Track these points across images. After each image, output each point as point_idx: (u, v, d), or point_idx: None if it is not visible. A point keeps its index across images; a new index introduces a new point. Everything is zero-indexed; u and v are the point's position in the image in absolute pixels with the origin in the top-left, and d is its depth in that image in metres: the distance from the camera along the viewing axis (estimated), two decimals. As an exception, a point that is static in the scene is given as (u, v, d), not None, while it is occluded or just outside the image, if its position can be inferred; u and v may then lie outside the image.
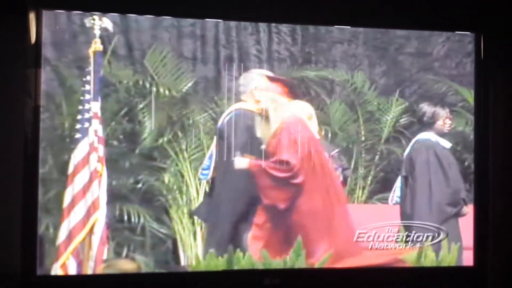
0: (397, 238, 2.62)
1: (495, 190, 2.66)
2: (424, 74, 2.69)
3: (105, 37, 2.43)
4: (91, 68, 2.41)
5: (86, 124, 2.42)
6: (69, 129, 2.41)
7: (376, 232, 2.61)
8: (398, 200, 2.67)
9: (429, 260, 2.62)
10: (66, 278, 2.38)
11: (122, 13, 2.45)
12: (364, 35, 2.64)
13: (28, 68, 2.34)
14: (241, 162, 2.48)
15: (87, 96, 2.42)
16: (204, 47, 2.52)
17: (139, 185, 2.47)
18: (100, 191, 2.42)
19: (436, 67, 2.70)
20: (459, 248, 2.64)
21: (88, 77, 2.42)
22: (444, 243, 2.63)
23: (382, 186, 2.67)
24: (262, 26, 2.57)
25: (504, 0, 2.68)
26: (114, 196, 2.44)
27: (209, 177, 2.52)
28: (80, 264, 2.40)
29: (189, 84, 2.52)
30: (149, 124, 2.48)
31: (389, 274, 2.59)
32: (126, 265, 2.40)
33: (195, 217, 2.51)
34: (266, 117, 2.52)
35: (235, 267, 2.47)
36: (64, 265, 2.38)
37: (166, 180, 2.49)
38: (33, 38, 2.34)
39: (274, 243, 2.50)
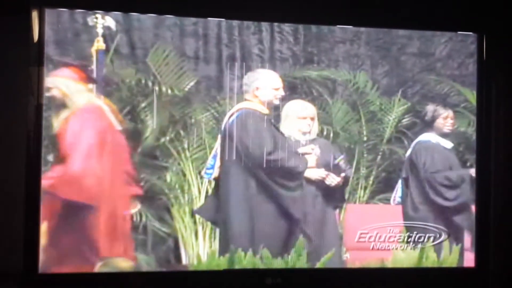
0: (398, 239, 2.62)
1: (497, 191, 2.66)
2: (427, 74, 2.68)
3: (108, 36, 2.43)
4: (93, 66, 2.41)
5: (89, 123, 2.42)
6: (72, 128, 2.41)
7: (377, 232, 2.61)
8: (400, 200, 2.67)
9: (431, 261, 2.62)
10: (68, 276, 2.37)
11: (125, 11, 2.45)
12: (367, 35, 2.64)
13: (31, 67, 2.34)
14: None
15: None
16: (206, 46, 2.52)
17: (141, 184, 2.47)
18: (102, 189, 2.42)
19: (438, 67, 2.69)
20: (461, 249, 2.64)
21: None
22: (445, 244, 2.63)
23: (384, 186, 2.67)
24: (265, 25, 2.57)
25: (506, 1, 2.68)
26: (116, 195, 2.44)
27: (213, 176, 2.52)
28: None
29: (192, 83, 2.52)
30: (151, 123, 2.48)
31: (390, 274, 2.59)
32: (121, 264, 2.40)
33: (197, 216, 2.52)
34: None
35: (237, 267, 2.47)
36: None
37: (168, 179, 2.49)
38: (35, 37, 2.34)
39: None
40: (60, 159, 2.34)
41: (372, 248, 2.60)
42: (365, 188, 2.66)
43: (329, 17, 2.59)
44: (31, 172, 2.33)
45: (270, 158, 2.51)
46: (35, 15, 2.34)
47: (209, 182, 2.52)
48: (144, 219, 2.46)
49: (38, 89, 2.34)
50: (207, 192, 2.52)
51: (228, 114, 2.51)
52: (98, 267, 2.38)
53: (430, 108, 2.68)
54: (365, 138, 2.67)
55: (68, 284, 2.38)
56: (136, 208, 2.42)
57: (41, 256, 2.32)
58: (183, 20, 2.50)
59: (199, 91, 2.52)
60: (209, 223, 2.51)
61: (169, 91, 2.50)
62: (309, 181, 2.56)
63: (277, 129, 2.57)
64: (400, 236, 2.62)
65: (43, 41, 2.36)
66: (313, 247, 2.53)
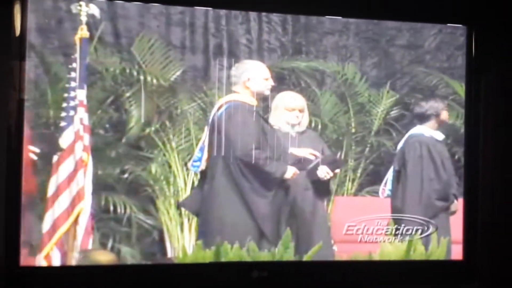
0: (386, 231, 2.60)
1: (485, 184, 2.65)
2: (415, 66, 2.67)
3: (92, 24, 2.38)
4: (77, 55, 2.36)
5: (72, 112, 2.38)
6: (54, 117, 2.36)
7: (365, 225, 2.60)
8: (390, 193, 2.65)
9: (418, 253, 2.61)
10: (50, 269, 2.34)
11: (109, -1, 2.40)
12: (356, 26, 2.62)
13: (13, 60, 2.28)
14: None
15: (73, 84, 2.37)
16: (193, 35, 2.48)
17: (125, 175, 2.43)
18: (85, 180, 2.38)
19: (427, 59, 2.68)
20: (448, 241, 2.63)
21: (74, 64, 2.37)
22: (433, 236, 2.62)
23: (372, 179, 2.66)
24: (253, 15, 2.54)
25: (496, -7, 2.67)
26: (100, 186, 2.40)
27: (200, 169, 2.48)
28: (64, 255, 2.36)
29: (178, 73, 2.48)
30: (136, 113, 2.44)
31: (378, 267, 2.57)
32: (100, 257, 2.36)
33: (182, 208, 2.48)
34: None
35: (223, 259, 2.44)
36: (48, 256, 2.34)
37: (153, 171, 2.46)
38: (18, 30, 2.28)
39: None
40: None
41: (360, 241, 2.59)
42: (353, 180, 2.65)
43: (318, 8, 2.56)
44: (12, 165, 2.27)
45: (257, 153, 2.47)
46: (17, 6, 2.28)
47: (195, 174, 2.49)
48: (128, 211, 2.42)
49: (19, 83, 2.28)
50: (193, 184, 2.49)
51: (216, 106, 2.48)
52: (79, 260, 2.34)
53: (424, 103, 2.66)
54: (353, 130, 2.65)
55: (50, 276, 2.34)
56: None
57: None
58: (169, 9, 2.46)
59: (185, 81, 2.49)
60: (195, 216, 2.48)
61: (154, 81, 2.46)
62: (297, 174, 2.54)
63: (266, 121, 2.53)
64: (388, 228, 2.61)
65: (26, 34, 2.30)
66: (301, 240, 2.51)
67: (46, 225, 2.34)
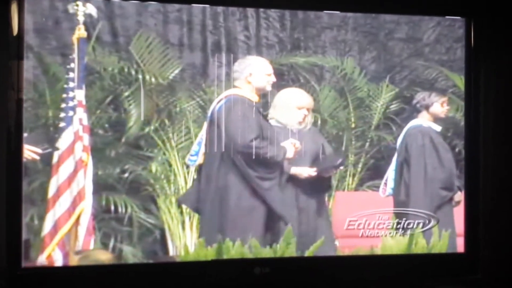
0: (387, 226, 2.60)
1: (486, 176, 2.65)
2: (414, 59, 2.66)
3: (89, 24, 2.37)
4: (75, 55, 2.36)
5: (71, 113, 2.38)
6: (53, 118, 2.36)
7: (366, 219, 2.59)
8: (391, 192, 2.65)
9: (420, 247, 2.61)
10: (52, 270, 2.34)
11: (106, -2, 2.40)
12: (354, 20, 2.61)
13: (11, 61, 2.27)
14: None
15: (71, 84, 2.37)
16: (191, 33, 2.48)
17: (126, 175, 2.43)
18: (85, 181, 2.38)
19: (426, 52, 2.67)
20: (450, 234, 2.63)
21: (72, 65, 2.36)
22: (435, 229, 2.62)
23: (373, 173, 2.66)
24: (250, 11, 2.53)
25: (494, -15, 2.65)
26: (100, 186, 2.40)
27: (197, 163, 2.48)
28: (66, 256, 2.36)
29: (176, 71, 2.47)
30: (135, 112, 2.44)
31: (379, 261, 2.58)
32: (100, 256, 2.36)
33: (183, 206, 2.48)
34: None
35: (225, 257, 2.44)
36: (49, 256, 2.34)
37: (154, 169, 2.46)
38: (15, 30, 2.27)
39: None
40: None
41: (361, 236, 2.59)
42: (354, 175, 2.64)
43: (316, 2, 2.55)
44: (13, 166, 2.27)
45: (256, 145, 2.47)
46: (14, 6, 2.27)
47: (195, 170, 2.48)
48: (129, 210, 2.42)
49: (18, 83, 2.27)
50: (193, 181, 2.49)
51: (216, 100, 2.47)
52: (78, 260, 2.34)
53: (424, 95, 2.66)
54: (353, 125, 2.65)
55: (52, 277, 2.34)
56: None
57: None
58: (166, 7, 2.45)
59: (184, 79, 2.48)
60: (196, 214, 2.48)
61: (153, 80, 2.46)
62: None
63: (265, 117, 2.53)
64: (389, 223, 2.61)
65: (23, 35, 2.29)
66: (302, 236, 2.51)
67: (47, 226, 2.35)
